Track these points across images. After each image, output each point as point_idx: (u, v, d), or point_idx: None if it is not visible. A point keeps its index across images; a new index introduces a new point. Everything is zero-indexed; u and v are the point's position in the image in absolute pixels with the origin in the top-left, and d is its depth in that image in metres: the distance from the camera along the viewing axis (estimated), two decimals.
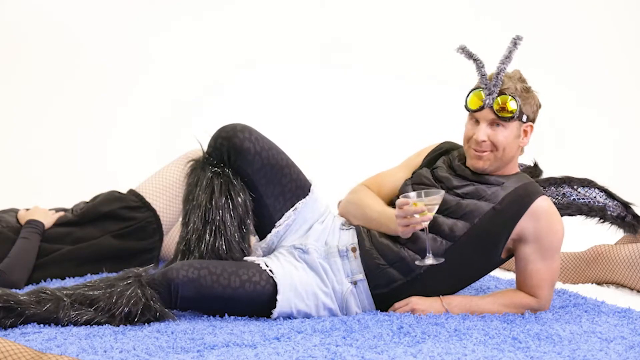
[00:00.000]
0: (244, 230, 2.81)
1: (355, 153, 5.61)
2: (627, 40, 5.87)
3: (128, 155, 5.46)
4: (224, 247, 2.75)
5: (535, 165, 3.19)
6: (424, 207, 2.62)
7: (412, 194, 2.67)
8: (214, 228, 2.74)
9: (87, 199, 3.65)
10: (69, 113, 5.46)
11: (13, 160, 5.27)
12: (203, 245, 2.75)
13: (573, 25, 5.84)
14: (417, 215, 2.64)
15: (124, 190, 3.60)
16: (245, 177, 2.81)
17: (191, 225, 2.77)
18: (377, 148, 5.59)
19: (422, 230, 2.70)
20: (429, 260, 2.67)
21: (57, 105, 5.46)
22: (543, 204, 2.78)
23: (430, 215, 2.65)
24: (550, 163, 3.39)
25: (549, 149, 3.31)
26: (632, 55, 5.87)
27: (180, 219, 2.88)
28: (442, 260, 2.70)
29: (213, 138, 2.83)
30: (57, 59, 5.46)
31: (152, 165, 4.04)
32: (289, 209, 2.86)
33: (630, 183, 4.22)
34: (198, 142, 2.87)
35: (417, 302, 2.77)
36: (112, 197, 3.54)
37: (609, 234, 3.41)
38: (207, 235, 2.74)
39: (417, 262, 2.72)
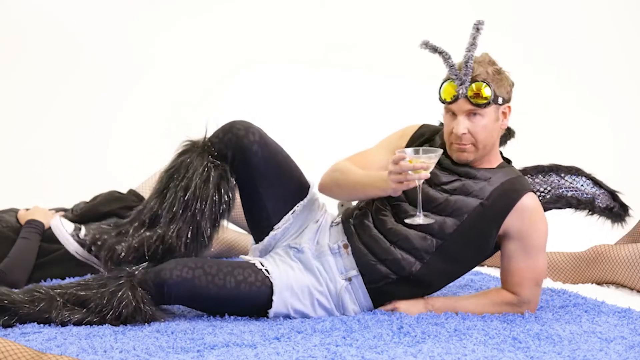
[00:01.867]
0: (216, 226, 2.75)
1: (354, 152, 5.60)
2: (627, 40, 5.86)
3: (128, 155, 5.46)
4: (188, 235, 2.69)
5: (508, 129, 3.10)
6: (421, 164, 2.58)
7: (409, 150, 2.62)
8: (188, 214, 2.69)
9: (87, 199, 3.65)
10: (69, 113, 5.45)
11: (13, 160, 5.27)
12: (172, 227, 2.68)
13: (573, 25, 5.83)
14: (411, 173, 2.60)
15: (124, 190, 3.60)
16: (246, 177, 2.79)
17: (167, 203, 2.70)
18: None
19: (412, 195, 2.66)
20: (419, 220, 2.65)
21: (57, 105, 5.45)
22: (529, 202, 2.76)
23: (426, 173, 2.60)
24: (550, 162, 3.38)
25: (548, 148, 3.32)
26: (632, 55, 5.86)
27: (154, 187, 2.80)
28: (432, 221, 2.68)
29: (222, 130, 2.79)
30: (57, 59, 5.45)
31: (152, 165, 4.04)
32: (288, 212, 2.84)
33: (630, 182, 4.21)
34: (205, 129, 2.81)
35: (401, 307, 2.78)
36: (112, 197, 3.54)
37: (609, 234, 3.41)
38: (180, 220, 2.68)
39: (406, 220, 2.70)
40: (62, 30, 5.45)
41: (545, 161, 3.24)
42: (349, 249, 2.80)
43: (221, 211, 2.74)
